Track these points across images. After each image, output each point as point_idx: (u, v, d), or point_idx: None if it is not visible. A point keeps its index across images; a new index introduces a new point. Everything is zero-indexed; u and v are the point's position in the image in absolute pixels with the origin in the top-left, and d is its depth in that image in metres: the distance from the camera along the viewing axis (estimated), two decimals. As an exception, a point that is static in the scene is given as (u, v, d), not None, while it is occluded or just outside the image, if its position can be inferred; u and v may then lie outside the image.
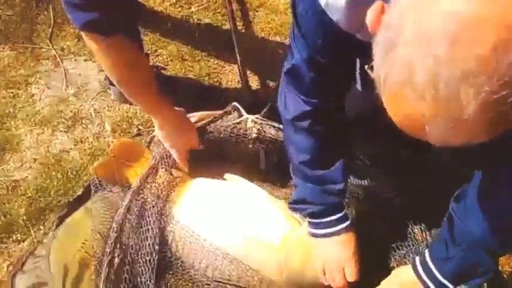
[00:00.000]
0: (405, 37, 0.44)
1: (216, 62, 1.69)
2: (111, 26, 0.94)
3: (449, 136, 0.46)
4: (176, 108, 1.21)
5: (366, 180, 1.24)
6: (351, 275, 1.04)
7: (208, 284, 1.14)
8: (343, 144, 1.05)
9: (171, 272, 1.14)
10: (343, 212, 1.05)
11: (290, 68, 0.89)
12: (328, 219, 1.03)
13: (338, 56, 0.79)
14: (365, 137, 1.32)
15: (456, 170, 1.19)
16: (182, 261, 1.15)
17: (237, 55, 1.50)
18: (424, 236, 1.12)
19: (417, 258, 0.98)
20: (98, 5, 0.90)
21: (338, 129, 1.00)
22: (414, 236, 1.13)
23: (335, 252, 1.04)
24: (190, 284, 1.14)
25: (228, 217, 1.15)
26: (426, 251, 0.97)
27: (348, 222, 1.05)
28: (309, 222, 1.07)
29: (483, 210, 0.85)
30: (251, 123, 1.29)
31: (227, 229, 1.14)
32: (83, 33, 0.97)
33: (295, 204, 1.09)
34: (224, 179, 1.25)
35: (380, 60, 0.48)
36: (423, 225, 1.14)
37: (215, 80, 1.64)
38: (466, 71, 0.41)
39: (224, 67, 1.66)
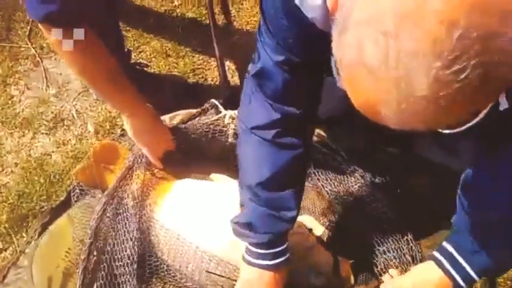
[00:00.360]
0: (355, 17, 0.44)
1: (200, 58, 1.65)
2: (71, 19, 0.90)
3: (405, 118, 0.44)
4: (148, 105, 1.16)
5: (345, 176, 1.22)
6: None
7: None
8: (305, 166, 0.97)
9: (157, 277, 1.11)
10: (285, 245, 0.94)
11: (258, 70, 0.81)
12: (268, 251, 0.93)
13: (311, 56, 0.74)
14: (346, 132, 1.31)
15: (441, 165, 1.20)
16: (168, 266, 1.13)
17: (216, 50, 1.45)
18: (406, 235, 1.11)
19: (438, 254, 0.90)
20: None
21: (305, 145, 0.90)
22: (396, 235, 1.11)
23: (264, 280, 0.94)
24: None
25: (213, 219, 1.13)
26: (448, 245, 0.90)
27: (286, 256, 0.95)
28: (247, 249, 0.95)
29: (492, 191, 0.83)
30: (229, 119, 1.26)
31: (213, 232, 1.11)
32: (41, 27, 0.93)
33: (240, 228, 0.94)
34: (206, 179, 1.22)
35: (335, 44, 0.47)
36: (404, 222, 1.13)
37: (200, 76, 1.61)
38: (416, 47, 0.40)
39: (209, 62, 1.62)
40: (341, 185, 1.24)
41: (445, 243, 0.90)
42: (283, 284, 0.96)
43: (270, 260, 0.93)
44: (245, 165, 0.92)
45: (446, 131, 0.50)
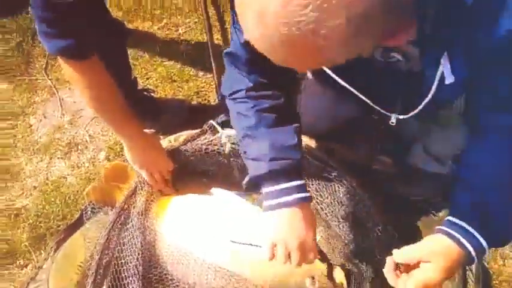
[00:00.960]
0: None
1: (204, 81, 1.76)
2: (81, 51, 1.01)
3: (276, 55, 0.61)
4: (146, 130, 1.25)
5: (337, 186, 1.27)
6: (311, 257, 0.96)
7: None
8: (289, 112, 1.01)
9: (162, 286, 1.19)
10: (301, 181, 0.95)
11: (230, 50, 0.96)
12: (284, 185, 0.94)
13: None
14: (346, 147, 1.38)
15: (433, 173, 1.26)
16: (172, 275, 1.20)
17: (214, 72, 1.55)
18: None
19: (445, 227, 0.86)
20: (67, 32, 0.96)
21: (285, 98, 0.98)
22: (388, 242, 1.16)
23: (291, 230, 0.93)
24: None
25: (213, 230, 1.20)
26: (453, 218, 0.86)
27: (306, 194, 0.95)
28: (264, 194, 0.96)
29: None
30: (225, 138, 1.35)
31: (213, 242, 1.19)
32: (59, 58, 1.04)
33: (252, 179, 0.98)
34: (206, 193, 1.30)
35: None
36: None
37: (203, 98, 1.71)
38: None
39: (211, 85, 1.72)
40: (332, 195, 1.30)
41: (450, 218, 0.87)
42: (314, 221, 0.96)
43: (292, 194, 0.93)
44: (237, 126, 1.01)
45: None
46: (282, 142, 0.95)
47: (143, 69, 1.79)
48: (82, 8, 0.97)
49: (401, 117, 0.98)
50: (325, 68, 0.88)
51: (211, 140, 1.40)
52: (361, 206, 1.26)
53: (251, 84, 0.97)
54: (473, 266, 1.19)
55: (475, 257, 0.82)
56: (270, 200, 0.95)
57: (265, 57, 0.87)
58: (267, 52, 0.62)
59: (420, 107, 0.90)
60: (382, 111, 0.98)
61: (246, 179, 1.01)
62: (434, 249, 0.84)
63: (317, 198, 1.30)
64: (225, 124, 1.41)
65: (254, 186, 1.00)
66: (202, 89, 1.73)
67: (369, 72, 0.88)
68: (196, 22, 1.91)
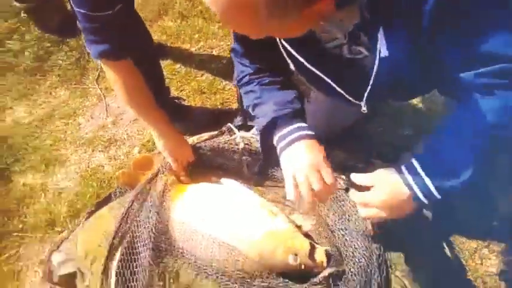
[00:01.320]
0: None
1: (230, 94, 1.99)
2: (116, 54, 1.27)
3: (219, 11, 0.75)
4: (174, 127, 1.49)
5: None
6: (329, 176, 1.01)
7: (205, 269, 1.36)
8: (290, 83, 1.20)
9: (170, 255, 1.37)
10: (305, 124, 1.09)
11: (232, 47, 1.20)
12: (291, 127, 1.08)
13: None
14: (344, 151, 1.54)
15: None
16: (181, 249, 1.38)
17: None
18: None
19: (403, 167, 0.97)
20: (105, 39, 1.23)
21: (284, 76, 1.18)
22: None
23: (305, 157, 1.03)
24: (187, 266, 1.35)
25: (221, 211, 1.39)
26: (413, 160, 0.96)
27: (311, 132, 1.08)
28: (276, 140, 1.10)
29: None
30: (240, 138, 1.55)
31: (219, 223, 1.36)
32: (100, 62, 1.31)
33: (264, 126, 1.12)
34: (217, 183, 1.49)
35: None
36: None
37: (227, 108, 1.94)
38: None
39: (235, 97, 1.95)
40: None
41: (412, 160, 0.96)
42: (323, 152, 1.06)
43: (299, 131, 1.07)
44: (247, 103, 1.21)
45: None
46: (283, 99, 1.11)
47: (178, 83, 2.05)
48: (117, 19, 1.24)
49: (364, 107, 1.15)
50: (300, 59, 1.08)
51: (228, 140, 1.61)
52: (349, 202, 1.41)
53: (252, 71, 1.19)
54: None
55: (422, 199, 0.93)
56: (282, 142, 1.08)
57: (255, 49, 1.10)
58: (219, 15, 0.78)
59: (369, 86, 1.06)
60: (352, 100, 1.15)
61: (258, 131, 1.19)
62: (382, 177, 0.98)
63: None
64: (241, 127, 1.63)
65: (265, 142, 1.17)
66: (227, 100, 1.96)
67: (339, 66, 1.07)
68: (229, 45, 2.17)
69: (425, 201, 0.95)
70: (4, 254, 1.55)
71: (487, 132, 0.88)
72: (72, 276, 1.37)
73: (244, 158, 1.58)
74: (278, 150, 1.10)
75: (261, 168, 1.55)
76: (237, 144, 1.59)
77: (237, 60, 1.22)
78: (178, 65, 2.12)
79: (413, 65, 0.95)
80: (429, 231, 1.40)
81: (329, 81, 1.11)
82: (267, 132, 1.14)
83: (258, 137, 1.26)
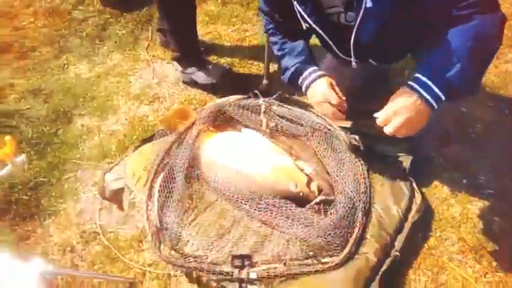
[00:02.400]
0: None
1: (257, 69, 2.34)
2: None
3: None
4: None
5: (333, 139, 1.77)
6: (334, 99, 1.51)
7: (224, 192, 1.68)
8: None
9: (198, 181, 1.72)
10: (313, 67, 1.59)
11: (260, 6, 1.66)
12: (304, 74, 1.59)
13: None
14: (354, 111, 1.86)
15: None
16: (206, 176, 1.72)
17: (265, 59, 2.14)
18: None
19: (412, 83, 1.27)
20: None
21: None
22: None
23: (317, 91, 1.55)
24: (210, 189, 1.69)
25: (239, 152, 1.74)
26: (418, 74, 1.28)
27: (320, 72, 1.56)
28: (300, 81, 1.61)
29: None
30: (262, 101, 1.91)
31: (238, 156, 1.71)
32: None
33: (288, 79, 1.65)
34: (239, 132, 1.84)
35: None
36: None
37: (255, 79, 2.29)
38: None
39: (261, 71, 2.30)
40: (329, 145, 1.78)
41: (416, 74, 1.27)
42: (332, 81, 1.57)
43: (314, 72, 1.57)
44: (275, 53, 1.71)
45: None
46: (297, 51, 1.61)
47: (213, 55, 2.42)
48: None
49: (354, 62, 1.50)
50: (308, 19, 1.44)
51: (251, 102, 1.97)
52: (348, 154, 1.74)
53: (273, 26, 1.62)
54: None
55: (434, 104, 1.25)
56: (303, 84, 1.60)
57: (277, 11, 1.48)
58: None
59: (353, 34, 1.38)
60: (343, 56, 1.49)
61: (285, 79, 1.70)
62: (399, 101, 1.27)
63: (317, 147, 1.80)
64: (264, 94, 1.98)
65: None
66: (253, 73, 2.31)
67: (336, 28, 1.42)
68: (261, 29, 2.53)
69: (436, 106, 1.25)
70: (64, 176, 1.93)
71: (471, 43, 1.20)
72: (120, 192, 1.75)
73: (263, 117, 1.93)
74: (304, 89, 1.61)
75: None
76: (259, 106, 1.94)
77: (263, 16, 1.61)
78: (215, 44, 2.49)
79: (397, 15, 1.26)
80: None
81: (326, 38, 1.49)
82: (292, 78, 1.64)
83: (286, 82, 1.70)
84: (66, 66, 2.46)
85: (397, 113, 1.27)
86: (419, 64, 1.31)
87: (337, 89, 1.55)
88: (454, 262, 1.55)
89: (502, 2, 1.26)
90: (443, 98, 1.25)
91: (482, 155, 1.84)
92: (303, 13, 1.42)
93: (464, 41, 1.21)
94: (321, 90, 1.54)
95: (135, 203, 1.70)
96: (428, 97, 1.25)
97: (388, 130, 1.30)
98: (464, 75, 1.23)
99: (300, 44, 1.61)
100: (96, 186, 1.85)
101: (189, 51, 2.20)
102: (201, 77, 2.21)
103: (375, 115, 1.33)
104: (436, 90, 1.24)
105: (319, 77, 1.56)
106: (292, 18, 1.47)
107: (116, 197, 1.76)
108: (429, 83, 1.25)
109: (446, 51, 1.23)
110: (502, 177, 1.78)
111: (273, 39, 1.67)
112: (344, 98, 1.54)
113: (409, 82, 1.28)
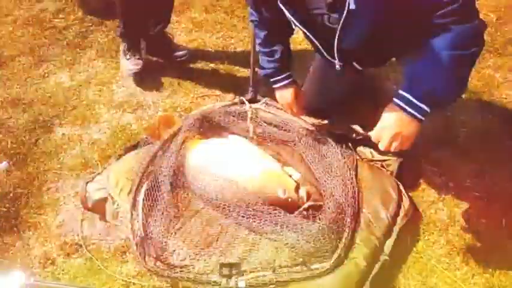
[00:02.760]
0: None
1: (241, 73, 2.33)
2: None
3: None
4: None
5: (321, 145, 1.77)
6: (294, 109, 1.78)
7: (211, 199, 1.65)
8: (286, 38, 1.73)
9: (183, 188, 1.68)
10: (285, 74, 1.73)
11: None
12: (276, 78, 1.74)
13: None
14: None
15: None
16: (192, 184, 1.69)
17: (251, 65, 2.12)
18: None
19: (398, 101, 1.31)
20: None
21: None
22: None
23: (283, 98, 1.77)
24: (196, 197, 1.66)
25: (226, 159, 1.71)
26: (403, 92, 1.31)
27: (289, 80, 1.73)
28: (271, 81, 1.77)
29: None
30: (248, 108, 1.89)
31: (224, 164, 1.68)
32: None
33: (263, 76, 1.80)
34: (225, 138, 1.82)
35: None
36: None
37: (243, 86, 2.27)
38: None
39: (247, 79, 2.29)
40: (317, 150, 1.77)
41: (400, 91, 1.31)
42: (296, 90, 1.76)
43: (286, 80, 1.73)
44: (257, 47, 1.79)
45: None
46: (274, 55, 1.70)
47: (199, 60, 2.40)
48: None
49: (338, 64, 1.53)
50: (292, 19, 1.45)
51: (237, 109, 1.95)
52: (336, 160, 1.73)
53: (258, 20, 1.63)
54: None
55: (420, 117, 1.28)
56: (275, 85, 1.78)
57: (265, 9, 1.51)
58: None
59: (336, 35, 1.39)
60: (328, 57, 1.48)
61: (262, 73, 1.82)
62: (387, 119, 1.32)
63: (305, 152, 1.79)
64: (250, 101, 1.97)
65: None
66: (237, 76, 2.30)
67: (320, 29, 1.41)
68: (245, 36, 2.52)
69: (423, 118, 1.29)
70: (44, 186, 1.88)
71: (451, 53, 1.22)
72: (103, 202, 1.70)
73: (249, 123, 1.91)
74: (274, 87, 1.78)
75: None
76: (245, 113, 1.93)
77: (250, 10, 1.63)
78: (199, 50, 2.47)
79: (379, 18, 1.27)
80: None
81: (312, 38, 1.51)
82: (266, 76, 1.79)
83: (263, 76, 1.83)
84: (46, 75, 2.40)
85: (386, 130, 1.33)
86: (403, 78, 1.35)
87: (300, 98, 1.77)
88: (442, 265, 1.55)
89: (480, 9, 1.27)
90: (428, 110, 1.28)
91: (468, 158, 1.85)
92: (287, 13, 1.41)
93: (445, 50, 1.23)
94: (286, 97, 1.77)
95: (118, 213, 1.65)
96: (413, 112, 1.29)
97: (381, 147, 1.36)
98: (446, 85, 1.27)
99: (279, 48, 1.67)
100: (77, 197, 1.80)
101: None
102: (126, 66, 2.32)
103: (369, 134, 1.42)
104: (421, 105, 1.28)
105: (287, 86, 1.75)
106: (278, 12, 1.46)
107: (99, 207, 1.71)
108: (412, 99, 1.28)
109: (428, 62, 1.26)
110: (487, 180, 1.78)
111: (258, 32, 1.71)
112: (301, 113, 1.83)
113: (394, 99, 1.32)
